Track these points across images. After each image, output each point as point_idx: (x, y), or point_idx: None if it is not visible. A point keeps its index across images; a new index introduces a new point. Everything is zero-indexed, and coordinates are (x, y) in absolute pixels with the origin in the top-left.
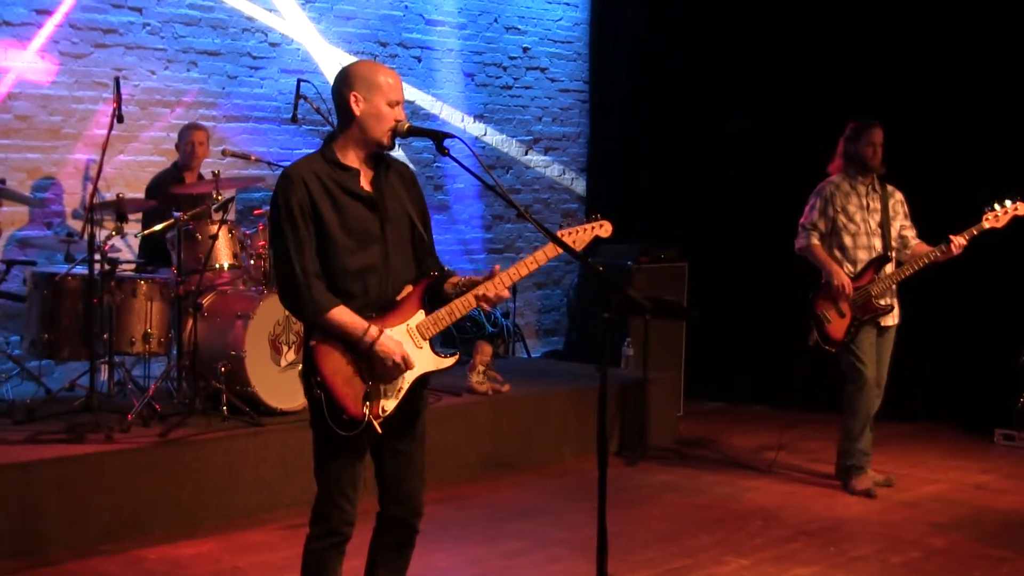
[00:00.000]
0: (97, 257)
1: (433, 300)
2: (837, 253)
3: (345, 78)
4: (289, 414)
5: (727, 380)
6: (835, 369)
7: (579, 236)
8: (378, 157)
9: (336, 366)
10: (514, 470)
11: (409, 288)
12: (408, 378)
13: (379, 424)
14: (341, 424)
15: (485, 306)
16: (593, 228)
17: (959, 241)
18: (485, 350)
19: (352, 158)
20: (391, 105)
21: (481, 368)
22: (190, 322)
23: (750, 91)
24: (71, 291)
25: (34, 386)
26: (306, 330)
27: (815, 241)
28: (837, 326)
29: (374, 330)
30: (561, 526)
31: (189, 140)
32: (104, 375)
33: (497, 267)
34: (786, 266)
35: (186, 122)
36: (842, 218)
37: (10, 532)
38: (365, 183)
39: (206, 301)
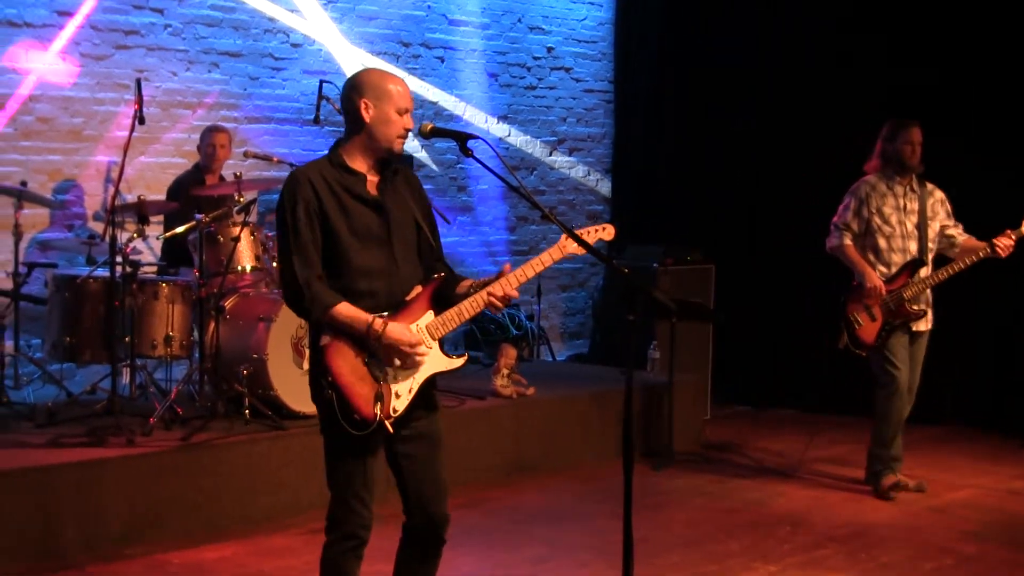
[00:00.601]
0: (119, 259)
1: (442, 304)
2: (871, 255)
3: (355, 85)
4: (312, 417)
5: (754, 383)
6: (864, 372)
7: (585, 239)
8: (385, 163)
9: (347, 366)
10: (539, 474)
11: (418, 288)
12: (418, 379)
13: (391, 424)
14: (353, 424)
15: (496, 303)
16: (596, 231)
17: (1006, 243)
18: (510, 353)
19: (359, 163)
20: (400, 113)
21: (505, 371)
22: (212, 325)
23: (779, 90)
24: (92, 294)
25: (55, 389)
26: (313, 331)
27: (847, 241)
28: (868, 329)
29: (379, 321)
30: (586, 531)
31: (210, 142)
32: (126, 378)
33: (507, 266)
34: (815, 267)
35: (208, 124)
36: (877, 219)
37: (31, 536)
38: (371, 187)
39: (228, 304)
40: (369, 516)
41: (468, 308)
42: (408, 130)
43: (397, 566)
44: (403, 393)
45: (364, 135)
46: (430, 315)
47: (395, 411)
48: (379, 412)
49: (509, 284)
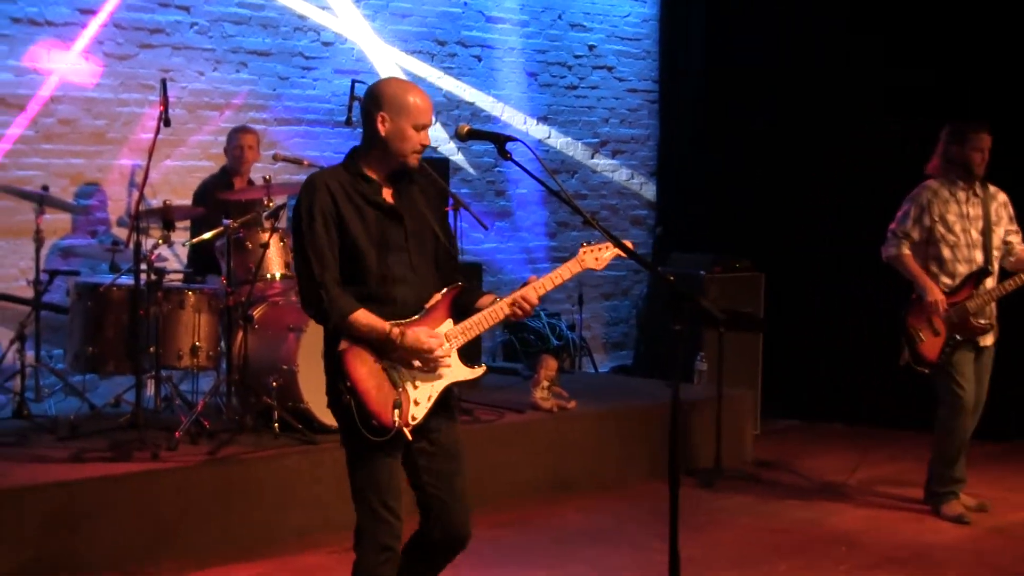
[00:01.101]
0: (143, 267)
1: (461, 314)
2: (933, 266)
3: (373, 96)
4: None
5: (805, 397)
6: (921, 384)
7: (599, 255)
8: (400, 173)
9: (365, 372)
10: (580, 492)
11: (437, 296)
12: (437, 387)
13: (410, 432)
14: (371, 431)
15: (518, 311)
16: (612, 248)
17: None
18: (550, 364)
19: (375, 172)
20: (417, 129)
21: (546, 383)
22: (240, 335)
23: (833, 91)
24: (116, 302)
25: (77, 402)
26: (329, 336)
27: (906, 251)
28: (931, 345)
29: (396, 329)
30: (630, 552)
31: (238, 144)
32: (150, 390)
33: (533, 277)
34: (870, 276)
35: (235, 125)
36: (940, 228)
37: (53, 553)
38: (387, 196)
39: (257, 313)
40: (400, 526)
41: (488, 318)
42: (425, 146)
43: (404, 559)
44: (422, 400)
45: (379, 148)
46: (449, 323)
47: (414, 419)
48: (398, 419)
49: (534, 292)
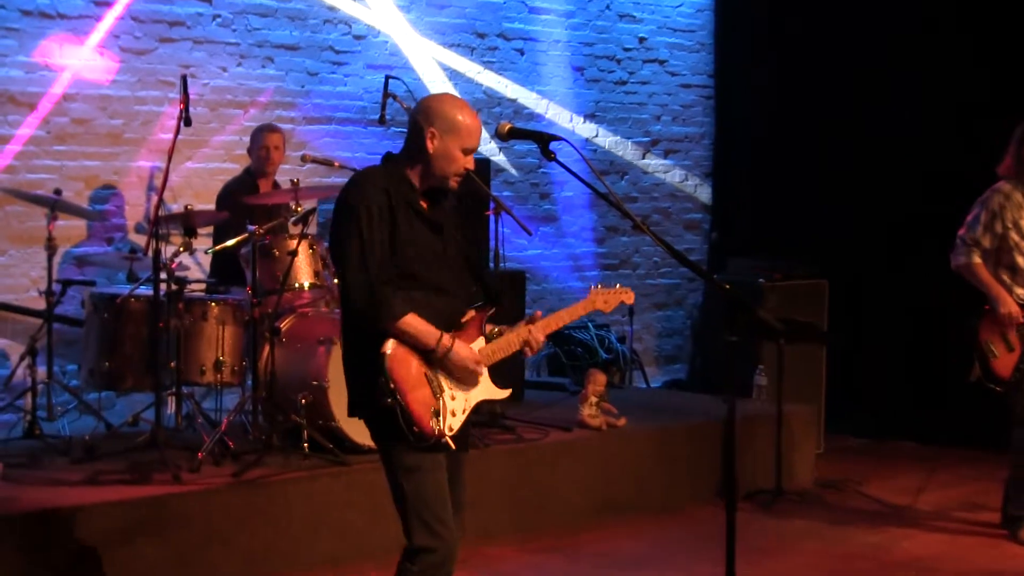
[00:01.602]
0: (163, 276)
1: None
2: (1006, 276)
3: (425, 110)
4: (378, 452)
5: (872, 413)
6: (996, 401)
7: (608, 298)
8: (438, 192)
9: (409, 376)
10: (631, 515)
11: (471, 313)
12: (471, 401)
13: (451, 441)
14: (412, 436)
15: (527, 351)
16: (621, 293)
17: None
18: (598, 379)
19: (417, 181)
20: (465, 152)
21: (594, 399)
22: (267, 348)
23: (903, 85)
24: (134, 314)
25: (93, 421)
26: (366, 338)
27: (976, 259)
28: (1005, 361)
29: (447, 338)
30: None
31: (263, 144)
32: (171, 408)
33: (538, 313)
34: (940, 284)
35: (260, 124)
36: (1014, 235)
37: None
38: (425, 206)
39: (284, 325)
40: (455, 542)
41: (515, 342)
42: (468, 170)
43: None
44: (458, 412)
45: (423, 163)
46: (481, 342)
47: (451, 429)
48: (437, 428)
49: (541, 331)
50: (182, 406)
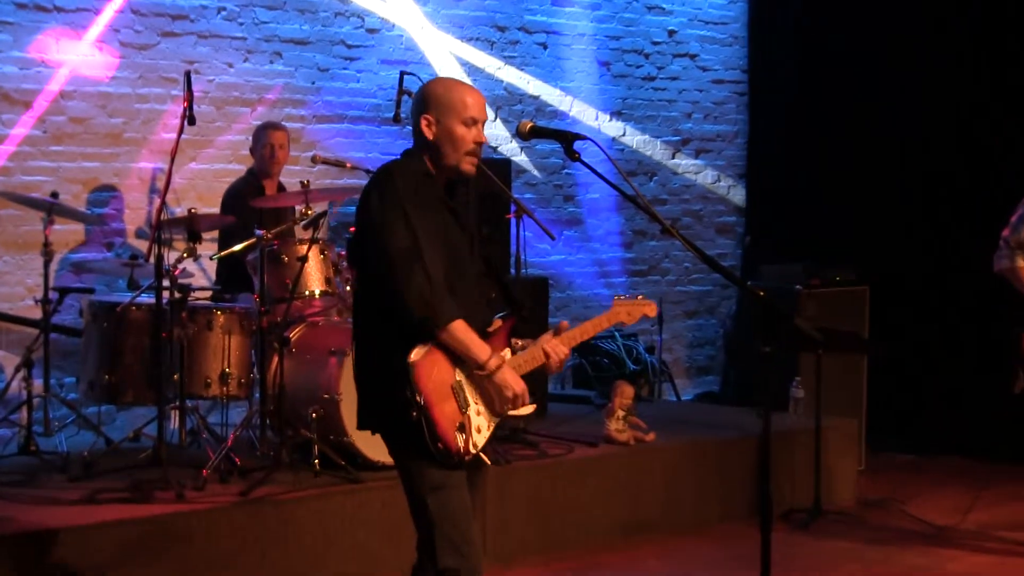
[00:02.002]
0: (166, 283)
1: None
2: None
3: (416, 101)
4: (393, 468)
5: (917, 427)
6: None
7: (632, 309)
8: (450, 186)
9: (435, 388)
10: (660, 535)
11: (498, 323)
12: (494, 418)
13: (483, 455)
14: (436, 453)
15: (551, 365)
16: (644, 305)
17: None
18: (626, 392)
19: (436, 174)
20: (468, 124)
21: (621, 413)
22: (276, 359)
23: (949, 81)
24: (135, 324)
25: (92, 436)
26: (390, 341)
27: (1021, 263)
28: None
29: (496, 359)
30: None
31: (267, 142)
32: (174, 423)
33: (564, 323)
34: (988, 291)
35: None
36: None
37: None
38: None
39: (294, 335)
40: (479, 561)
41: (539, 355)
42: (480, 144)
43: None
44: (483, 429)
45: (431, 154)
46: (507, 354)
47: (475, 446)
48: (461, 444)
49: (565, 344)
50: (186, 421)
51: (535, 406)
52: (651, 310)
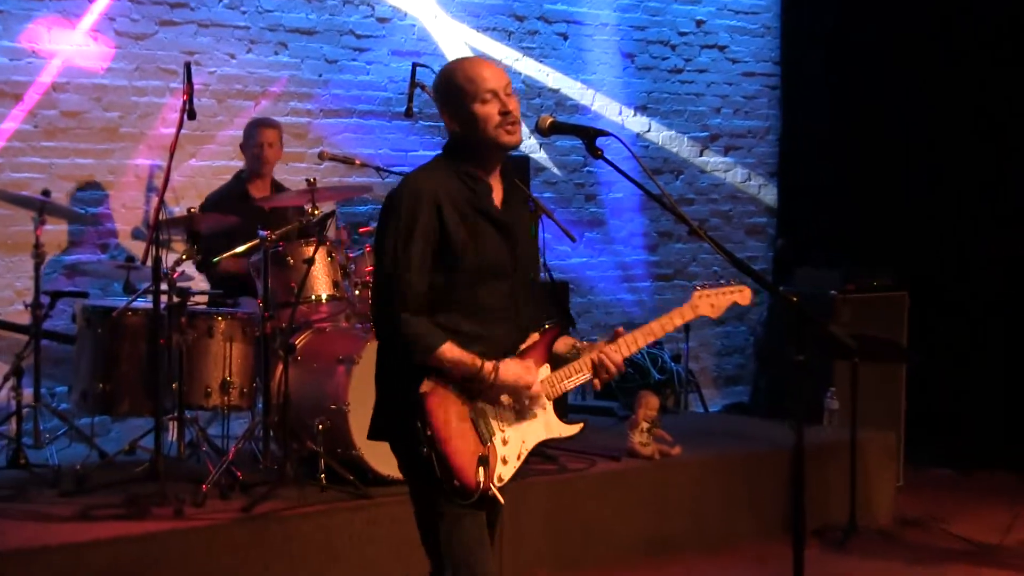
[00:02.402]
0: (164, 287)
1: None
2: None
3: (435, 97)
4: (404, 483)
5: (959, 441)
6: None
7: (716, 300)
8: (505, 172)
9: (450, 421)
10: (686, 553)
11: (535, 337)
12: (528, 444)
13: (499, 494)
14: (451, 491)
15: (603, 375)
16: (732, 293)
17: None
18: (650, 403)
19: (481, 171)
20: (485, 100)
21: (645, 425)
22: (280, 368)
23: (996, 74)
24: (131, 330)
25: (85, 449)
26: (404, 370)
27: None
28: None
29: (489, 366)
30: None
31: (257, 140)
32: (172, 435)
33: (619, 329)
34: None
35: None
36: None
37: None
38: (497, 200)
39: (300, 341)
40: None
41: (585, 367)
42: (510, 112)
43: None
44: (511, 459)
45: (466, 146)
46: (545, 370)
47: (500, 479)
48: (482, 479)
49: (616, 353)
50: (185, 432)
51: (581, 425)
52: (744, 296)
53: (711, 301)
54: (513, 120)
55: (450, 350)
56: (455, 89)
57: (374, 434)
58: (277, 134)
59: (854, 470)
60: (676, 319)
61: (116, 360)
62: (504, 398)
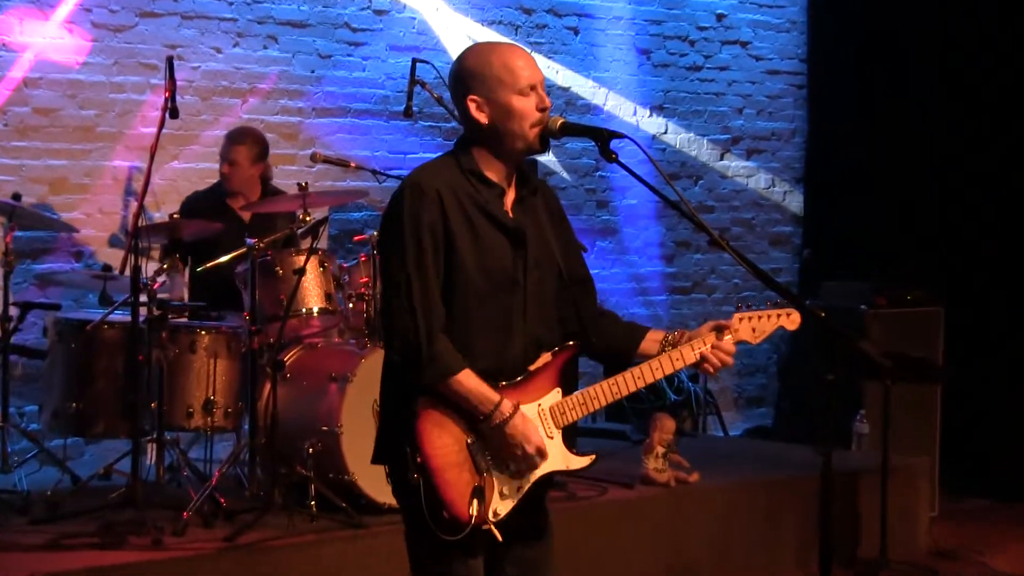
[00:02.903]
0: (143, 299)
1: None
2: None
3: (457, 80)
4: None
5: (998, 468)
6: None
7: (759, 324)
8: (523, 175)
9: (443, 446)
10: None
11: (547, 357)
12: (531, 477)
13: (495, 530)
14: (439, 524)
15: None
16: (779, 316)
17: None
18: (667, 426)
19: (494, 171)
20: (524, 93)
21: (661, 450)
22: (268, 386)
23: None
24: (108, 344)
25: (57, 472)
26: (401, 386)
27: None
28: None
29: (507, 405)
30: None
31: (223, 154)
32: (151, 458)
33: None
34: None
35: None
36: None
37: None
38: (508, 205)
39: (289, 358)
40: None
41: (602, 394)
42: (547, 110)
43: None
44: (510, 492)
45: (488, 142)
46: (556, 394)
47: (496, 514)
48: (475, 512)
49: (632, 381)
50: (164, 456)
51: (593, 457)
52: (792, 321)
53: (752, 325)
54: (545, 122)
55: (468, 377)
56: (493, 74)
57: (375, 458)
58: (246, 152)
59: (885, 499)
60: (705, 341)
61: (91, 377)
62: (503, 455)
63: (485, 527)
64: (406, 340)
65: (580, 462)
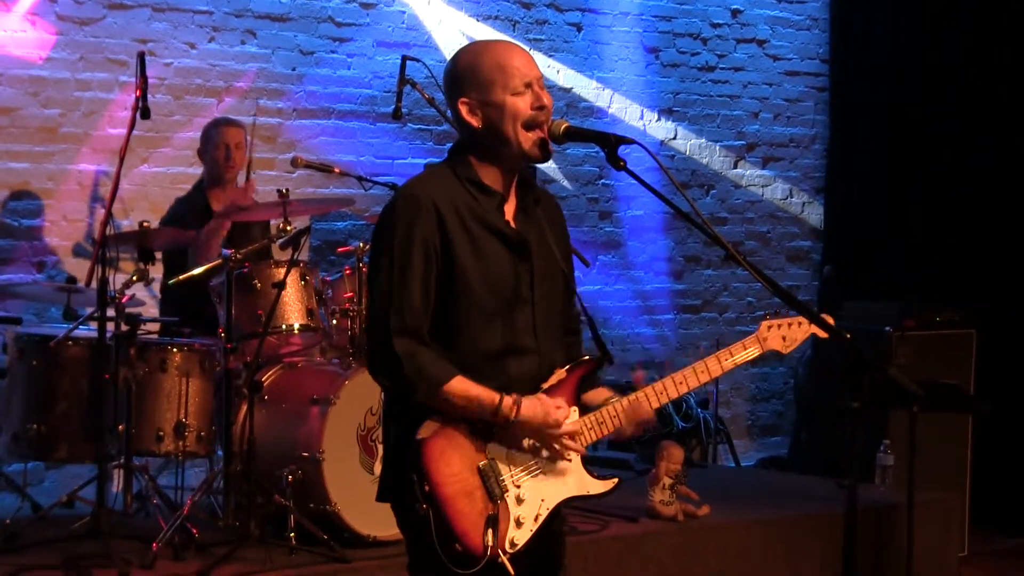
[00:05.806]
0: (110, 313)
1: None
2: None
3: (448, 82)
4: (387, 544)
5: None
6: None
7: (789, 332)
8: (525, 182)
9: (453, 473)
10: None
11: (561, 374)
12: (549, 503)
13: (508, 561)
14: (452, 557)
15: (624, 430)
16: (811, 323)
17: None
18: (674, 455)
19: (493, 178)
20: (518, 92)
21: (668, 481)
22: (244, 409)
23: None
24: (72, 362)
25: (16, 500)
26: (406, 410)
27: None
28: None
29: (509, 400)
30: None
31: (220, 141)
32: (118, 485)
33: (639, 372)
34: None
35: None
36: None
37: None
38: (509, 215)
39: (268, 378)
40: None
41: (616, 415)
42: (544, 108)
43: None
44: (526, 520)
45: (483, 148)
46: (574, 414)
47: (513, 545)
48: (490, 542)
49: (645, 403)
50: (132, 483)
51: (616, 481)
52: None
53: (783, 333)
54: (543, 121)
55: (460, 384)
56: (484, 74)
57: (380, 495)
58: (243, 135)
59: (911, 536)
60: (739, 354)
61: (53, 397)
62: (526, 442)
63: (499, 561)
64: (385, 356)
65: (601, 486)
